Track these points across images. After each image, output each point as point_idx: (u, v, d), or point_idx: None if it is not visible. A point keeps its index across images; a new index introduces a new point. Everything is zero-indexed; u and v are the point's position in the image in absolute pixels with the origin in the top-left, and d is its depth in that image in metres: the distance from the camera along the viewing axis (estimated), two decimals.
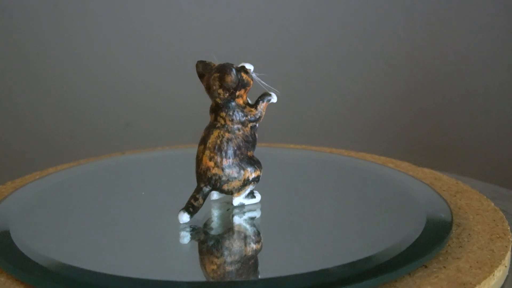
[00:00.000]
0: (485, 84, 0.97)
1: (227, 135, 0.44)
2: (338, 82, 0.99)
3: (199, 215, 0.44)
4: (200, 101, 0.99)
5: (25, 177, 0.57)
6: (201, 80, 0.45)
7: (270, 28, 0.99)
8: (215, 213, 0.46)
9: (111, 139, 1.00)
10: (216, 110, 0.45)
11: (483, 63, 0.97)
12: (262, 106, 0.45)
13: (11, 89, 0.98)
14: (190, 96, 0.99)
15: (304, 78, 0.97)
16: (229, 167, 0.44)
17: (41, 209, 0.47)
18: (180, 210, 0.43)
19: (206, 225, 0.44)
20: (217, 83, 0.45)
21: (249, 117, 0.45)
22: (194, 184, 0.45)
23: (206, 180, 0.44)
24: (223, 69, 0.45)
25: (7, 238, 0.40)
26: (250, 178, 0.45)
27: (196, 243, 0.42)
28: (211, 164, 0.44)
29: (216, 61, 0.45)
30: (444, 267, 0.37)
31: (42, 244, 0.40)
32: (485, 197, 0.49)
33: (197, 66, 0.46)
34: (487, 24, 0.95)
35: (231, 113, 0.44)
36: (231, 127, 0.44)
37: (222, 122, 0.44)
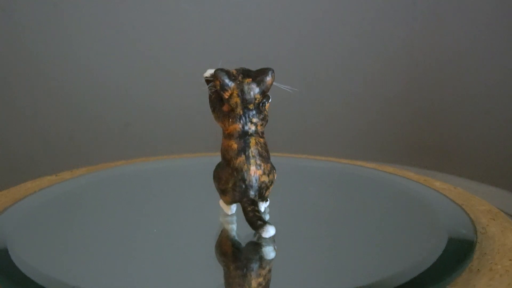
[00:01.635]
0: (485, 85, 0.97)
1: (261, 140, 0.43)
2: (337, 83, 0.99)
3: (212, 229, 0.44)
4: (200, 101, 0.99)
5: (26, 183, 0.54)
6: (222, 92, 0.42)
7: (270, 28, 0.98)
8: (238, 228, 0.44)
9: (111, 139, 1.00)
10: (246, 116, 0.43)
11: (483, 64, 0.97)
12: (266, 107, 0.45)
13: (11, 89, 0.98)
14: (190, 96, 0.99)
15: (303, 78, 0.97)
16: (270, 172, 0.43)
17: (41, 223, 0.45)
18: (264, 227, 0.41)
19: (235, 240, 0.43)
20: (256, 88, 0.43)
21: (267, 119, 0.44)
22: (199, 195, 0.44)
23: (256, 189, 0.42)
24: (263, 72, 0.43)
25: (4, 254, 0.39)
26: (274, 180, 0.44)
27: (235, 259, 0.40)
28: (259, 172, 0.42)
29: (223, 66, 0.44)
30: None
31: (41, 260, 0.38)
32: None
33: (217, 75, 0.42)
34: (487, 25, 0.95)
35: (262, 117, 0.43)
36: (260, 132, 0.43)
37: (254, 128, 0.43)
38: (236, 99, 0.42)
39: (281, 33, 0.98)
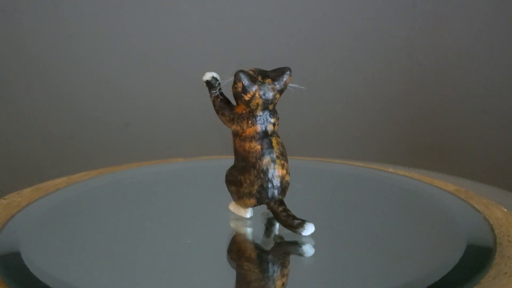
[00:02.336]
0: (485, 85, 0.97)
1: (279, 139, 0.43)
2: (337, 83, 0.99)
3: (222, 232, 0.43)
4: (200, 101, 0.99)
5: (38, 185, 0.54)
6: (244, 94, 0.41)
7: (270, 29, 0.98)
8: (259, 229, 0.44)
9: (111, 139, 1.00)
10: (265, 117, 0.42)
11: (484, 64, 0.97)
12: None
13: (11, 89, 0.98)
14: (190, 96, 0.99)
15: (303, 78, 0.97)
16: (289, 171, 0.43)
17: (53, 226, 0.45)
18: (304, 226, 0.41)
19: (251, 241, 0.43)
20: (276, 88, 0.42)
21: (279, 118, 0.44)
22: (209, 199, 0.43)
23: (282, 190, 0.42)
24: (282, 72, 0.43)
25: (17, 258, 0.38)
26: None
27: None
28: (284, 172, 0.42)
29: (237, 67, 0.43)
30: None
31: (53, 264, 0.38)
32: None
33: (239, 78, 0.41)
34: (487, 25, 0.95)
35: (277, 117, 0.43)
36: (277, 131, 0.43)
37: (272, 128, 0.43)
38: (258, 101, 0.42)
39: (281, 34, 0.98)
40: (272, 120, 0.43)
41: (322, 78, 0.98)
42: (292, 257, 0.40)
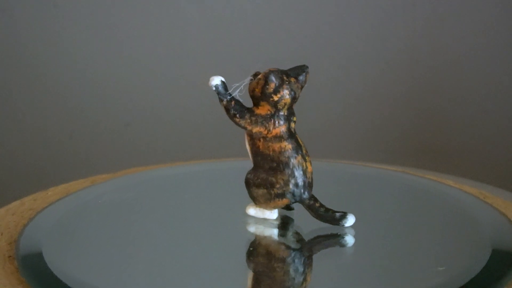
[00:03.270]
0: (486, 86, 0.97)
1: (298, 137, 0.43)
2: (338, 84, 0.99)
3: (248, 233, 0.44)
4: (200, 101, 0.99)
5: (57, 187, 0.54)
6: (274, 94, 0.42)
7: (270, 29, 0.98)
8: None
9: (111, 139, 0.99)
10: (289, 115, 0.43)
11: (485, 65, 0.96)
12: None
13: (11, 89, 0.98)
14: (190, 96, 0.99)
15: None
16: None
17: (75, 227, 0.45)
18: (347, 217, 0.42)
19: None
20: (299, 86, 0.43)
21: None
22: (231, 199, 0.44)
23: (312, 186, 0.43)
24: (302, 70, 0.43)
25: (39, 259, 0.38)
26: None
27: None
28: (312, 168, 0.43)
29: (263, 68, 0.43)
30: None
31: (75, 265, 0.38)
32: None
33: (271, 78, 0.41)
34: (487, 26, 0.95)
35: (295, 115, 0.44)
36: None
37: (293, 126, 0.43)
38: (286, 100, 0.42)
39: (282, 35, 0.98)
40: (294, 118, 0.43)
41: (323, 79, 0.98)
42: (325, 255, 0.41)
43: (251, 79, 0.43)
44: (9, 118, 0.98)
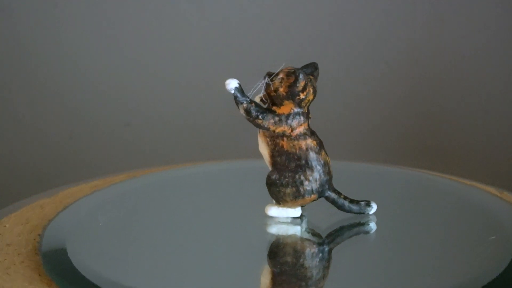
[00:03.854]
0: (487, 86, 0.97)
1: None
2: (338, 84, 0.99)
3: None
4: (200, 101, 0.99)
5: (80, 186, 0.54)
6: (301, 92, 0.42)
7: (270, 29, 0.98)
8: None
9: (111, 139, 0.99)
10: (308, 113, 0.44)
11: (485, 65, 0.96)
12: None
13: (10, 89, 0.98)
14: (190, 96, 0.98)
15: None
16: None
17: (99, 224, 0.45)
18: (371, 205, 0.44)
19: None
20: (315, 83, 0.44)
21: None
22: (248, 198, 0.45)
23: (332, 180, 0.44)
24: (314, 67, 0.45)
25: (63, 255, 0.39)
26: None
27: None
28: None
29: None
30: None
31: (100, 262, 0.39)
32: None
33: (301, 77, 0.42)
34: (487, 26, 0.95)
35: None
36: None
37: (309, 122, 0.44)
38: (310, 97, 0.43)
39: (283, 36, 0.98)
40: (310, 115, 0.44)
41: (322, 78, 0.98)
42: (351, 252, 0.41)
43: (269, 80, 0.43)
44: (9, 118, 0.98)
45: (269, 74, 0.43)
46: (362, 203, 0.44)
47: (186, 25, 0.98)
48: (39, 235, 0.42)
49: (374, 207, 0.44)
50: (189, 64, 0.99)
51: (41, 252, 0.39)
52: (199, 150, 0.98)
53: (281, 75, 0.43)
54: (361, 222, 0.44)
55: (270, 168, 0.44)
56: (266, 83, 0.42)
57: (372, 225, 0.44)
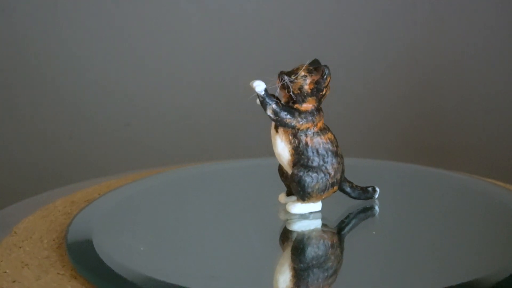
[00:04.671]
0: (487, 86, 0.97)
1: None
2: (338, 83, 0.99)
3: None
4: (200, 101, 0.99)
5: (110, 181, 0.56)
6: (325, 88, 0.45)
7: (270, 29, 0.98)
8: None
9: (111, 139, 0.99)
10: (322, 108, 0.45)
11: (485, 65, 0.96)
12: None
13: (10, 89, 0.98)
14: (190, 96, 0.98)
15: None
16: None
17: (125, 217, 0.46)
18: (376, 189, 0.46)
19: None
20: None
21: None
22: (271, 192, 0.45)
23: None
24: (319, 63, 0.46)
25: (89, 247, 0.39)
26: None
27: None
28: None
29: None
30: None
31: (125, 253, 0.39)
32: None
33: (328, 72, 0.44)
34: (487, 26, 0.95)
35: None
36: None
37: None
38: (328, 93, 0.45)
39: (283, 35, 0.98)
40: (322, 113, 0.45)
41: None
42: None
43: (293, 78, 0.43)
44: (9, 118, 0.98)
45: (286, 73, 0.44)
46: (370, 189, 0.46)
47: (186, 25, 0.98)
48: (67, 226, 0.43)
49: (378, 191, 0.46)
50: (189, 64, 0.99)
51: (67, 242, 0.40)
52: (199, 150, 0.98)
53: (302, 73, 0.44)
54: (369, 211, 0.46)
55: (287, 167, 0.44)
56: (289, 81, 0.43)
57: (377, 210, 0.46)
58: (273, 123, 0.44)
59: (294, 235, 0.43)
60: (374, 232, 0.45)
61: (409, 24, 0.97)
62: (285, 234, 0.44)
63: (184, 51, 0.99)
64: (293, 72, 0.44)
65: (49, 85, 0.98)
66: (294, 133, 0.43)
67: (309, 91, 0.43)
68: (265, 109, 0.43)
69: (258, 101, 0.43)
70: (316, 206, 0.45)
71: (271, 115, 0.43)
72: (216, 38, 0.98)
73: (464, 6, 0.95)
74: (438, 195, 0.52)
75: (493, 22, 0.95)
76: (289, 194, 0.46)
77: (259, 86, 0.43)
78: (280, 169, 0.46)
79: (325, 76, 0.44)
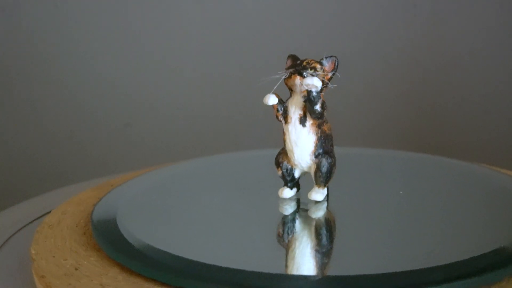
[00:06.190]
0: (487, 86, 0.97)
1: None
2: (338, 83, 0.99)
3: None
4: (200, 101, 0.99)
5: (132, 173, 0.57)
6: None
7: (270, 29, 0.98)
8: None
9: (111, 139, 0.99)
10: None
11: (485, 65, 0.96)
12: None
13: (10, 89, 0.98)
14: (190, 96, 0.99)
15: None
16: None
17: (149, 200, 0.48)
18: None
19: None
20: None
21: None
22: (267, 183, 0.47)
23: None
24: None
25: (114, 227, 0.41)
26: None
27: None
28: None
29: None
30: None
31: (147, 233, 0.41)
32: None
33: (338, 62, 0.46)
34: (487, 26, 0.95)
35: None
36: None
37: None
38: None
39: (283, 34, 0.98)
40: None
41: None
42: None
43: (315, 72, 0.46)
44: (9, 118, 0.98)
45: (301, 66, 0.45)
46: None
47: (187, 25, 0.98)
48: (92, 211, 0.45)
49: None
50: (190, 64, 0.99)
51: (93, 223, 0.42)
52: (199, 150, 0.98)
53: (315, 65, 0.46)
54: (372, 195, 0.48)
55: (306, 158, 0.45)
56: (316, 74, 0.45)
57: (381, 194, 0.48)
58: (293, 119, 0.45)
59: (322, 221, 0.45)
60: (401, 192, 0.48)
61: (409, 24, 0.97)
62: (306, 221, 0.45)
63: (184, 51, 0.99)
64: (307, 67, 0.45)
65: (49, 85, 0.98)
66: (319, 124, 0.45)
67: (328, 81, 0.46)
68: (315, 104, 0.45)
69: (310, 96, 0.45)
70: (325, 190, 0.46)
71: (318, 109, 0.45)
72: (216, 38, 0.98)
73: (464, 6, 0.95)
74: (443, 180, 0.54)
75: (493, 22, 0.95)
76: (291, 187, 0.47)
77: (270, 100, 0.45)
78: (281, 161, 0.46)
79: (337, 68, 0.47)
